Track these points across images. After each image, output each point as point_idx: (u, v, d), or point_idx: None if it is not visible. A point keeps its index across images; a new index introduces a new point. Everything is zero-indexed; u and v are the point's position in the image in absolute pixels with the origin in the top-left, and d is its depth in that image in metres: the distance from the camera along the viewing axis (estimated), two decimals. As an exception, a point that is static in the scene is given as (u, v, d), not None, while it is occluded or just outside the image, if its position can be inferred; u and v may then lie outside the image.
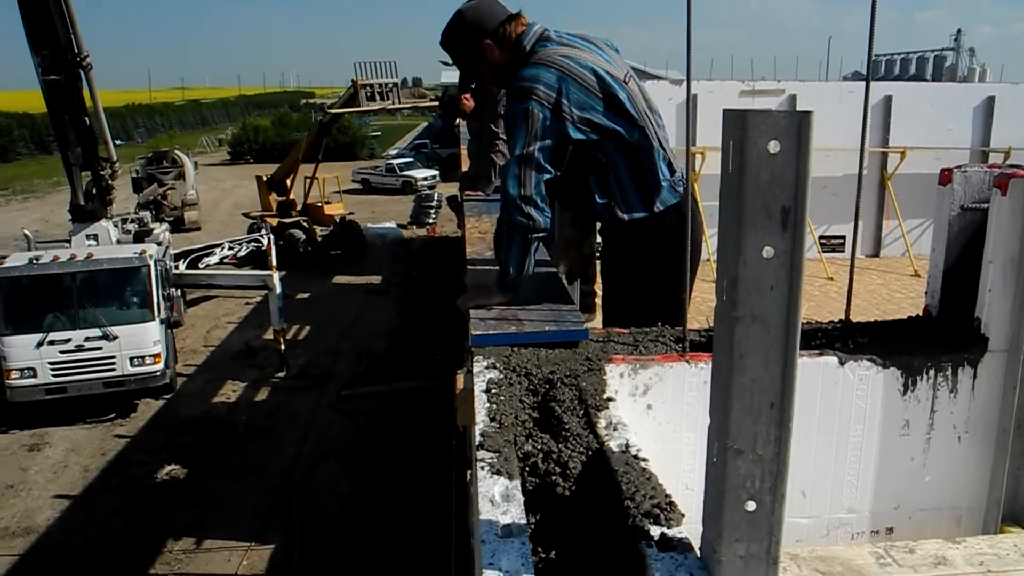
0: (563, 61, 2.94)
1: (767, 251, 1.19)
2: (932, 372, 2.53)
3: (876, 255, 12.65)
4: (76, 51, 14.71)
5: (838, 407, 2.49)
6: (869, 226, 12.61)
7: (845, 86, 15.02)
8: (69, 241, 16.41)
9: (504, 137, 5.50)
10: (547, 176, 2.90)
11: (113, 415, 14.59)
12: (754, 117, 1.15)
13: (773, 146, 1.15)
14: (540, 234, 2.93)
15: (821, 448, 2.50)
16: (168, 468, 12.72)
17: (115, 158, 16.62)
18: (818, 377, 2.45)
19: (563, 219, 4.15)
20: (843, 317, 2.67)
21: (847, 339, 2.58)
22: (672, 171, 3.23)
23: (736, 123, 1.17)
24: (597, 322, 3.87)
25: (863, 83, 2.93)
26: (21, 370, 13.93)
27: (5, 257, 15.46)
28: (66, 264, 14.49)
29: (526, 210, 2.87)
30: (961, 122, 12.78)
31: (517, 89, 2.92)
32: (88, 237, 16.11)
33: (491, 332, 2.60)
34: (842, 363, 2.47)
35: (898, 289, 10.09)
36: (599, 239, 3.73)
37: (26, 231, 17.71)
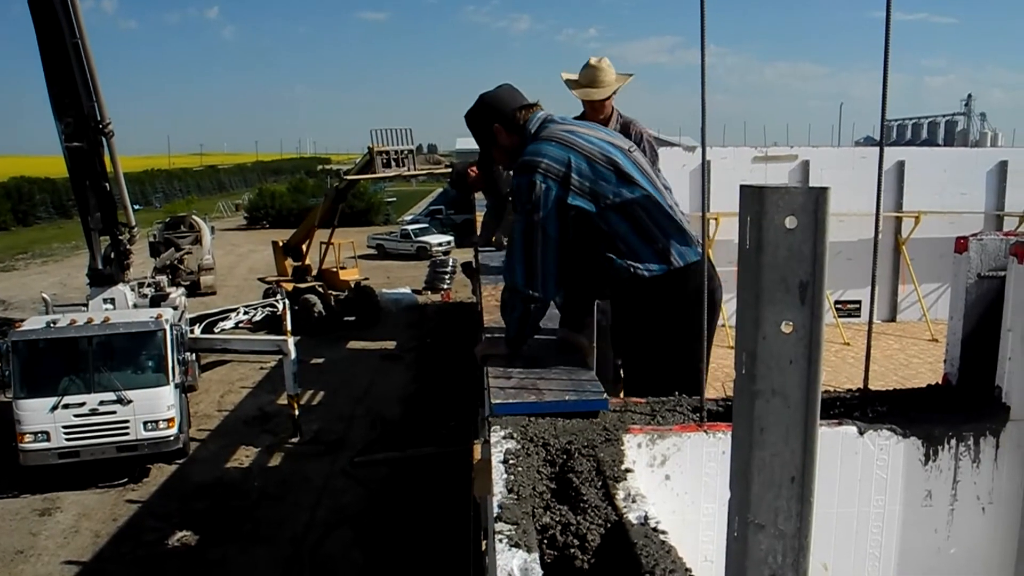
0: (567, 136, 3.12)
1: (786, 325, 1.19)
2: (954, 441, 2.50)
3: (893, 320, 12.55)
4: (99, 118, 14.98)
5: (858, 478, 2.46)
6: (885, 291, 12.53)
7: (858, 151, 15.09)
8: (86, 305, 16.52)
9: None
10: (552, 244, 3.02)
11: (125, 480, 14.48)
12: (771, 194, 1.17)
13: (790, 222, 1.16)
14: (539, 305, 3.06)
15: (842, 519, 2.47)
16: (180, 534, 12.59)
17: (134, 223, 16.81)
18: (837, 447, 2.43)
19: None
20: (861, 385, 2.65)
21: (866, 408, 2.56)
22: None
23: (753, 199, 1.18)
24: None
25: (876, 148, 2.96)
26: (35, 434, 13.84)
27: (23, 320, 15.57)
28: (82, 328, 14.51)
29: (530, 280, 3.02)
30: (974, 186, 12.76)
31: (522, 164, 3.09)
32: (105, 301, 16.19)
33: (511, 401, 2.60)
34: (861, 433, 2.45)
35: (916, 354, 9.99)
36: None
37: (44, 295, 17.87)
